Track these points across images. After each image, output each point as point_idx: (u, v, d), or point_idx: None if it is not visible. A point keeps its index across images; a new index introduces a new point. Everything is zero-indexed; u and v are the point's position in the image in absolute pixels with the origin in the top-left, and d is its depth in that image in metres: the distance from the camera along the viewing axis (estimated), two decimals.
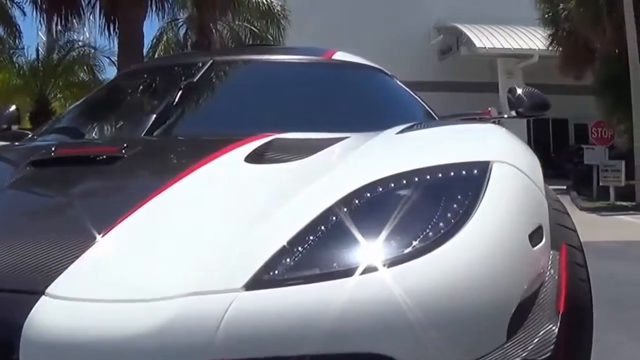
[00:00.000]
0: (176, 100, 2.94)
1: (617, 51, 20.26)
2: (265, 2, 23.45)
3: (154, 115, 2.83)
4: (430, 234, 1.58)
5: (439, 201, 1.67)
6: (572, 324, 1.73)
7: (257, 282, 1.49)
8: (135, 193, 2.01)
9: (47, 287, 1.50)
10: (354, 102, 3.41)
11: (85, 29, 20.76)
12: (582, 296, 1.86)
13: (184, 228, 1.75)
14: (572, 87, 22.41)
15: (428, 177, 1.75)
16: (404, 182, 1.74)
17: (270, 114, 3.12)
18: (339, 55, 3.75)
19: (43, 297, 1.48)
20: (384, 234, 1.60)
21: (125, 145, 2.28)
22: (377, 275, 1.49)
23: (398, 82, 3.82)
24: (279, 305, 1.45)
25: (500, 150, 1.98)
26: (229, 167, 2.11)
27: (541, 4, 23.35)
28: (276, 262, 1.54)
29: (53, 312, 1.45)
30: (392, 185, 1.73)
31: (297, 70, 3.60)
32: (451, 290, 1.50)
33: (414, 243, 1.56)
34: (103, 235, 1.67)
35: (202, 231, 1.72)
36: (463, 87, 21.50)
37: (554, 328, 1.67)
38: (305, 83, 3.52)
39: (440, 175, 1.76)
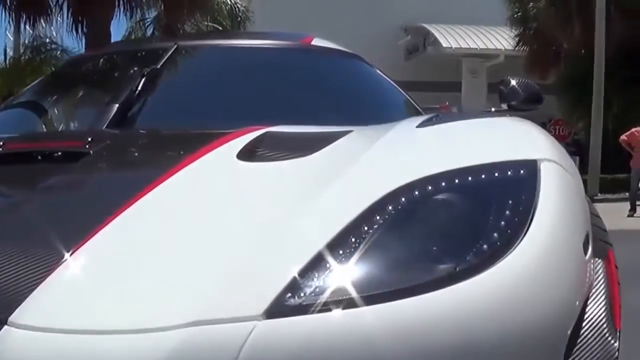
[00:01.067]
0: (139, 88, 2.58)
1: (582, 52, 20.64)
2: (229, 2, 23.71)
3: (117, 105, 2.45)
4: (485, 246, 1.35)
5: (488, 207, 1.44)
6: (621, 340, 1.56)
7: (280, 308, 1.25)
8: (109, 197, 1.70)
9: (9, 315, 1.24)
10: (342, 92, 3.15)
11: (52, 29, 20.66)
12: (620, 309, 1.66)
13: (176, 241, 1.45)
14: None
15: (470, 178, 1.49)
16: (444, 184, 1.48)
17: (251, 104, 2.85)
18: (318, 42, 3.40)
19: (5, 327, 1.23)
20: (430, 247, 1.37)
21: (89, 139, 1.96)
22: (426, 298, 1.25)
23: (378, 71, 3.51)
24: (308, 335, 1.22)
25: (542, 146, 1.70)
26: (221, 165, 1.79)
27: (511, 3, 23.68)
28: (300, 283, 1.29)
29: (19, 345, 1.21)
30: (430, 188, 1.47)
31: (275, 57, 3.22)
32: (513, 311, 1.29)
33: (468, 258, 1.33)
34: (74, 251, 1.38)
35: (200, 245, 1.43)
36: (429, 87, 21.60)
37: (614, 345, 1.49)
38: (286, 70, 3.17)
39: (483, 176, 1.50)
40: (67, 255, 1.37)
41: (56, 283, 1.31)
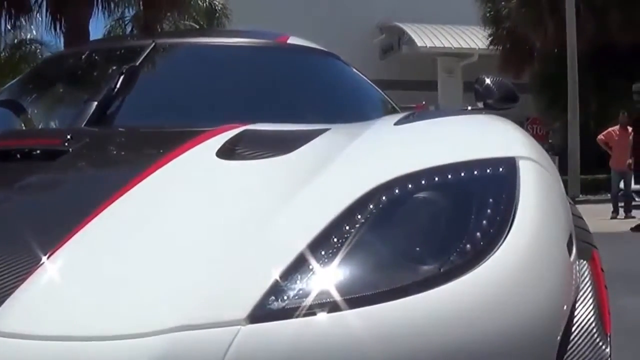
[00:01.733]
0: (118, 86, 2.53)
1: (556, 50, 20.87)
2: (206, 0, 23.99)
3: (95, 103, 2.40)
4: (468, 246, 1.31)
5: (470, 206, 1.40)
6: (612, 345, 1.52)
7: (263, 312, 1.21)
8: (87, 197, 1.63)
9: None
10: (319, 90, 3.13)
11: (32, 27, 20.73)
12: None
13: (156, 243, 1.40)
14: None
15: (449, 176, 1.46)
16: (424, 182, 1.44)
17: (228, 102, 2.83)
18: (294, 40, 3.33)
19: None
20: (413, 247, 1.34)
21: (68, 136, 1.91)
22: (411, 300, 1.22)
23: (355, 69, 3.45)
24: (292, 339, 1.19)
25: (520, 144, 1.67)
26: (200, 164, 1.75)
27: (483, 3, 23.94)
28: (283, 286, 1.25)
29: None
30: (410, 186, 1.43)
31: (251, 55, 3.19)
32: (500, 312, 1.26)
33: (452, 258, 1.29)
34: (52, 254, 1.33)
35: (181, 246, 1.39)
36: (404, 85, 21.83)
37: (606, 351, 1.47)
38: (262, 69, 3.12)
39: (462, 174, 1.47)
40: (44, 258, 1.31)
41: (34, 288, 1.26)
